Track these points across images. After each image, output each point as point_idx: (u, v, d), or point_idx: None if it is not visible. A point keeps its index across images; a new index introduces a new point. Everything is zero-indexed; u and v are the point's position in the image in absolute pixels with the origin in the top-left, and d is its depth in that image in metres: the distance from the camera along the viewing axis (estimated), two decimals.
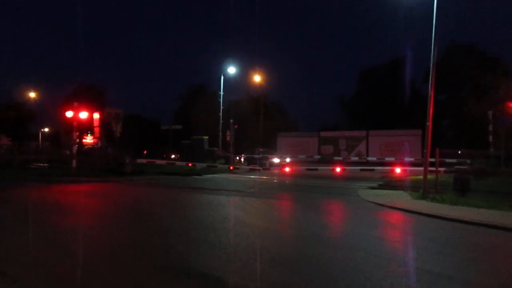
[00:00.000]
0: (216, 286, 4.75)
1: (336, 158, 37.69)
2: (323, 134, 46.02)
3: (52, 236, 7.28)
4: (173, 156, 36.78)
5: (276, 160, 32.30)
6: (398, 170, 19.18)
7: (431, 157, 13.98)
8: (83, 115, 22.91)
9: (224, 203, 12.04)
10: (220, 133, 36.95)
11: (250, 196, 13.42)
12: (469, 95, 40.41)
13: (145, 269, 5.32)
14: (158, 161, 24.81)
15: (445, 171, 16.30)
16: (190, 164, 24.81)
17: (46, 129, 61.02)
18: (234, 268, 5.31)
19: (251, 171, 25.85)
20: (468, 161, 21.84)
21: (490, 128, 23.76)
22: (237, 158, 34.91)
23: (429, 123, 13.32)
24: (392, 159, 32.68)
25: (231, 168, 24.62)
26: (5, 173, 20.90)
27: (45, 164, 26.28)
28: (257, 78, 40.15)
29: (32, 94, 52.06)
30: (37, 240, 6.89)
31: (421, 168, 14.10)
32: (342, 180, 20.05)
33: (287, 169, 23.16)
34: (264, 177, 22.00)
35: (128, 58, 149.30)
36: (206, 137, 35.81)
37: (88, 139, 41.29)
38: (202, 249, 6.33)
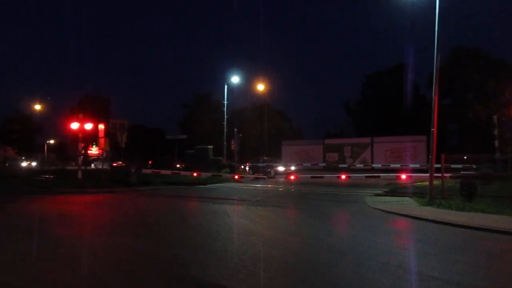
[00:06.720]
0: None
1: (341, 165, 37.61)
2: (327, 141, 45.98)
3: (59, 247, 7.30)
4: (178, 165, 36.81)
5: (281, 168, 32.25)
6: (403, 176, 19.13)
7: (437, 162, 13.93)
8: (88, 126, 23.01)
9: (230, 212, 12.02)
10: (225, 142, 36.98)
11: (256, 205, 13.39)
12: (474, 99, 40.30)
13: (152, 278, 5.32)
14: (164, 171, 24.86)
15: (451, 177, 16.21)
16: (195, 174, 24.81)
17: (52, 141, 61.49)
18: (240, 277, 5.30)
19: (256, 179, 25.81)
20: (474, 166, 21.74)
21: (496, 132, 23.67)
22: (242, 167, 34.90)
23: (434, 129, 13.30)
24: (397, 165, 32.59)
25: (236, 177, 24.61)
26: (12, 185, 21.03)
27: (51, 176, 26.39)
28: (260, 87, 40.26)
29: (37, 107, 52.54)
30: (43, 251, 6.91)
31: (427, 174, 14.04)
32: (348, 187, 19.98)
33: (292, 177, 23.11)
34: (269, 186, 21.97)
35: (132, 68, 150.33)
36: (210, 147, 35.85)
37: (94, 150, 41.46)
38: (208, 258, 6.32)
